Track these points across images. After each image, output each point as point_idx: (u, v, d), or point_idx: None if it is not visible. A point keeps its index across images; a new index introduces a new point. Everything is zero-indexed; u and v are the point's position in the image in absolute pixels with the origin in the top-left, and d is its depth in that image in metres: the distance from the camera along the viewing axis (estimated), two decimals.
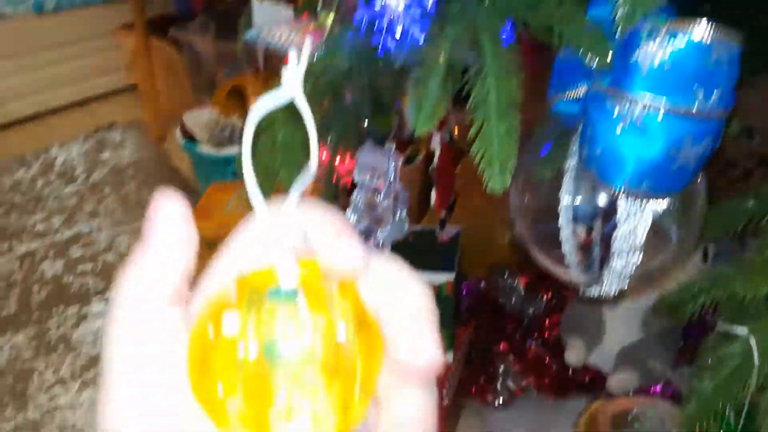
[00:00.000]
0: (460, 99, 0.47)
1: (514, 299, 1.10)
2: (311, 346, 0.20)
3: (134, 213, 1.65)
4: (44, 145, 1.92)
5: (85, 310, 1.35)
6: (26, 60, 2.09)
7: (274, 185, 0.52)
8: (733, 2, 0.52)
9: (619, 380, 0.92)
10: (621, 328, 0.98)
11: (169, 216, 0.22)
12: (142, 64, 1.86)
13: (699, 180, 0.45)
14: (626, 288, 0.45)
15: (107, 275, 1.44)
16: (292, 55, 0.21)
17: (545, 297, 1.09)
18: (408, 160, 1.40)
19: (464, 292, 1.10)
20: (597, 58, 0.39)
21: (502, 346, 1.06)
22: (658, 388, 0.92)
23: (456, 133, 0.93)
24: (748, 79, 0.48)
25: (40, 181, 1.77)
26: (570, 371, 1.02)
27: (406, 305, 0.22)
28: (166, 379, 0.21)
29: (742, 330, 0.44)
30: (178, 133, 1.58)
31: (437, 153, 0.74)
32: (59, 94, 2.17)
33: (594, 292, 0.46)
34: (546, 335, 1.05)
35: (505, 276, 1.08)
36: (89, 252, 1.52)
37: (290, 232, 0.21)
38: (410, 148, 1.40)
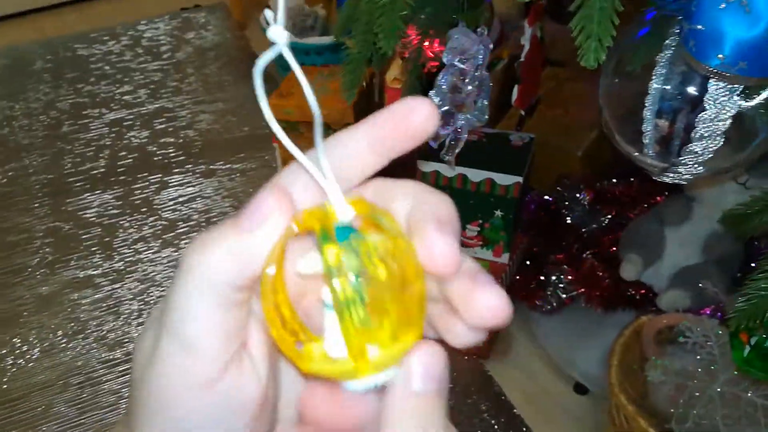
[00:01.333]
0: (556, 13, 0.47)
1: (577, 212, 1.11)
2: (384, 271, 0.22)
3: (214, 94, 1.71)
4: (133, 19, 1.98)
5: (166, 179, 1.44)
6: None
7: (369, 49, 0.55)
8: None
9: (670, 298, 0.94)
10: (681, 250, 0.98)
11: (272, 211, 0.22)
12: None
13: None
14: (699, 176, 0.47)
15: (188, 150, 1.52)
16: (268, 14, 0.23)
17: (609, 214, 1.09)
18: (489, 67, 1.39)
19: (529, 203, 1.11)
20: None
21: (558, 256, 1.09)
22: (708, 310, 0.94)
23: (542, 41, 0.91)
24: None
25: (128, 54, 1.85)
26: (622, 286, 1.04)
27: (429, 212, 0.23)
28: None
29: None
30: (262, 18, 1.60)
31: (526, 48, 0.74)
32: None
33: (668, 178, 0.48)
34: (603, 250, 1.07)
35: (572, 189, 1.09)
36: (171, 126, 1.60)
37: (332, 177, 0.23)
38: (493, 55, 1.38)
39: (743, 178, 0.86)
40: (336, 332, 0.22)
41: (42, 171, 1.45)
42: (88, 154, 1.48)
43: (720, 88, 0.41)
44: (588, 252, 1.09)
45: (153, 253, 1.23)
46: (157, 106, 1.64)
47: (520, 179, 0.96)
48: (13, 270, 1.20)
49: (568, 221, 1.10)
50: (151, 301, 1.12)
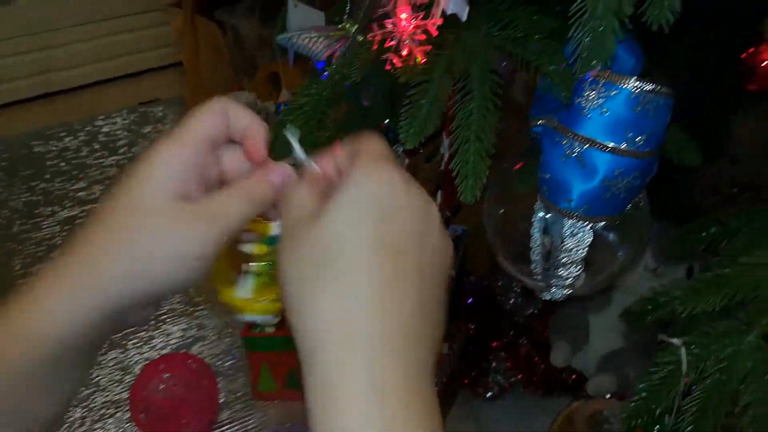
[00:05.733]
0: None
1: (511, 300, 1.16)
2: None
3: None
4: (90, 115, 2.04)
5: None
6: (77, 32, 2.20)
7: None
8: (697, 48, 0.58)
9: (597, 383, 0.98)
10: (604, 335, 1.03)
11: (205, 115, 0.35)
12: (188, 43, 1.95)
13: (642, 204, 0.51)
14: (573, 292, 0.52)
15: None
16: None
17: (540, 300, 1.14)
18: (428, 159, 1.47)
19: (467, 290, 1.16)
20: (563, 94, 0.46)
21: (494, 343, 1.13)
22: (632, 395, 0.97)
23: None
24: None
25: (85, 150, 1.89)
26: (556, 371, 1.08)
27: None
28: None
29: (677, 341, 0.51)
30: None
31: (446, 156, 0.81)
32: (107, 67, 2.27)
33: (548, 296, 0.53)
34: (537, 336, 1.11)
35: (506, 275, 1.14)
36: None
37: None
38: (431, 147, 1.46)
39: (653, 265, 0.93)
40: (246, 287, 0.44)
41: None
42: (39, 254, 1.49)
43: (574, 223, 0.47)
44: (524, 338, 1.13)
45: (99, 354, 1.23)
46: None
47: (452, 273, 1.02)
48: None
49: (504, 309, 1.14)
50: (95, 407, 1.11)
